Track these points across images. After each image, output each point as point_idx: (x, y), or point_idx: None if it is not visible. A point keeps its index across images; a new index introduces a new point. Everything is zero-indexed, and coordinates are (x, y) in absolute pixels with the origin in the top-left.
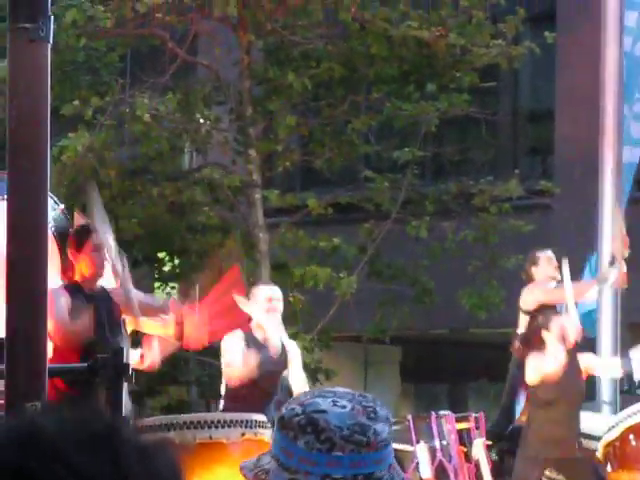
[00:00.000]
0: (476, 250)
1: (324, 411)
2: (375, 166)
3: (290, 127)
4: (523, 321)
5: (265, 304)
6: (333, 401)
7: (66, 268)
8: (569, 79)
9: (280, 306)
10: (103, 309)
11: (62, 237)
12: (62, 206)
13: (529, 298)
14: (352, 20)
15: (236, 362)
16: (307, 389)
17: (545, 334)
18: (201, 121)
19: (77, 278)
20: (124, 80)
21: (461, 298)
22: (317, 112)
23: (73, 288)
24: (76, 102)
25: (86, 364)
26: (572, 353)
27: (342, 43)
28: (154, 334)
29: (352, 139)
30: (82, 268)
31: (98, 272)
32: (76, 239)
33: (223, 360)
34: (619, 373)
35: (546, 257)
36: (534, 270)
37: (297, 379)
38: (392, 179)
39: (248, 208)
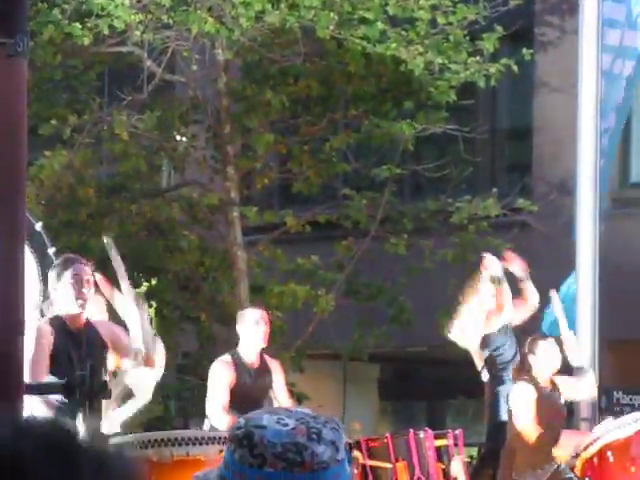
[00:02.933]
0: (454, 268)
1: (263, 427)
2: (353, 184)
3: (268, 144)
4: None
5: (252, 327)
6: (279, 419)
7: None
8: (547, 97)
9: (267, 329)
10: (86, 346)
11: (41, 255)
12: (40, 223)
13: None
14: (330, 38)
15: (216, 401)
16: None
17: (531, 358)
18: (178, 139)
19: (60, 312)
20: (102, 99)
21: (439, 317)
22: (295, 130)
23: (57, 324)
24: (54, 121)
25: (64, 381)
26: (553, 379)
27: (320, 61)
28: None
29: (330, 157)
30: (63, 300)
31: (79, 304)
32: (55, 272)
33: (209, 390)
34: (588, 394)
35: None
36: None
37: (280, 397)
38: (370, 197)
39: (226, 226)
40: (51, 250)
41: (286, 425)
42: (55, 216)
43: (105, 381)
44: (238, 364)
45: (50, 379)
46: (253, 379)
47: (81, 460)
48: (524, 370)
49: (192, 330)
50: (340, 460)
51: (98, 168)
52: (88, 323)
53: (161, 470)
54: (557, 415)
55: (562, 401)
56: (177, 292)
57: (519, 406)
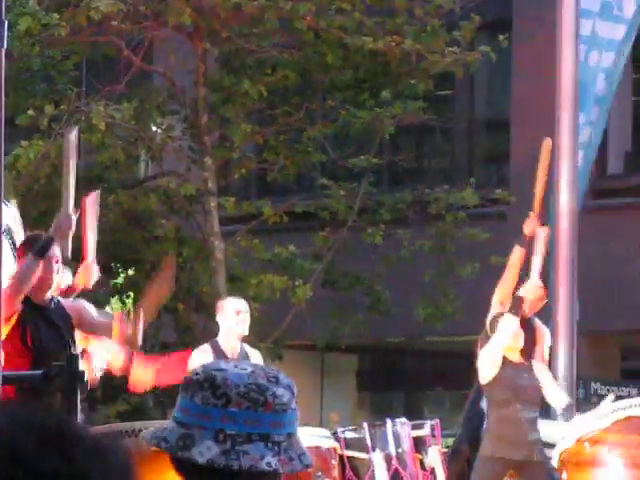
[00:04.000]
0: (432, 258)
1: (224, 369)
2: (331, 174)
3: (245, 135)
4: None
5: (233, 317)
6: (235, 364)
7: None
8: (525, 87)
9: (247, 318)
10: (55, 320)
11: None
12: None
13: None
14: (307, 28)
15: None
16: None
17: (493, 337)
18: (154, 129)
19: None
20: (79, 88)
21: (416, 308)
22: (272, 120)
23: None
24: (31, 111)
25: (41, 371)
26: (528, 356)
27: (297, 51)
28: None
29: (307, 147)
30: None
31: (46, 283)
32: (25, 248)
33: None
34: (562, 405)
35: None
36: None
37: None
38: (348, 187)
39: (203, 216)
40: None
41: (245, 369)
42: (32, 206)
43: (82, 371)
44: (218, 353)
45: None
46: None
47: (77, 448)
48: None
49: (170, 320)
50: (294, 409)
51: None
52: (54, 300)
53: (139, 460)
54: (530, 389)
55: (535, 380)
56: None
57: (485, 372)
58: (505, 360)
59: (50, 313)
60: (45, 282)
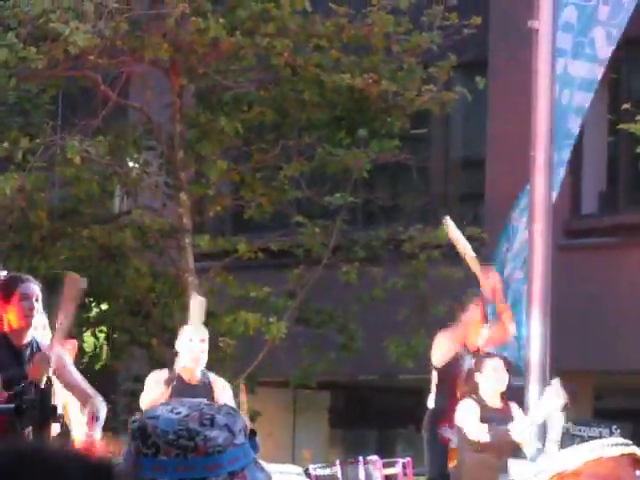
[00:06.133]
0: (405, 296)
1: (156, 417)
2: (306, 211)
3: (221, 171)
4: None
5: (186, 344)
6: (172, 408)
7: None
8: (500, 126)
9: (203, 347)
10: (28, 364)
11: None
12: None
13: (438, 352)
14: (284, 65)
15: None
16: None
17: (478, 376)
18: (130, 164)
19: (5, 329)
20: (55, 122)
21: (389, 346)
22: (248, 157)
23: (1, 340)
24: (6, 144)
25: (13, 405)
26: (505, 399)
27: (274, 88)
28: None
29: (283, 184)
30: (10, 318)
31: (26, 322)
32: (3, 289)
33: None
34: (524, 441)
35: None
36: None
37: None
38: (323, 225)
39: (178, 252)
40: (2, 273)
41: (179, 413)
42: (6, 239)
43: (54, 405)
44: (173, 378)
45: None
46: (188, 396)
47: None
48: (471, 388)
49: (143, 355)
50: (238, 444)
51: (50, 192)
52: (32, 342)
53: None
54: (506, 435)
55: (511, 426)
56: (128, 317)
57: (468, 421)
58: (486, 406)
59: (24, 356)
60: (24, 322)
